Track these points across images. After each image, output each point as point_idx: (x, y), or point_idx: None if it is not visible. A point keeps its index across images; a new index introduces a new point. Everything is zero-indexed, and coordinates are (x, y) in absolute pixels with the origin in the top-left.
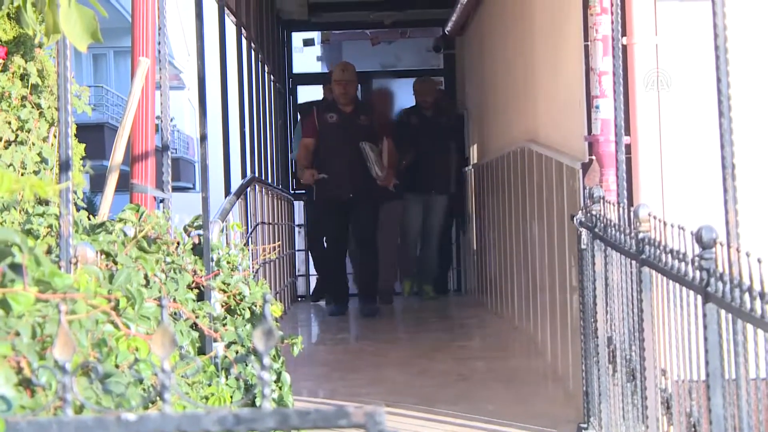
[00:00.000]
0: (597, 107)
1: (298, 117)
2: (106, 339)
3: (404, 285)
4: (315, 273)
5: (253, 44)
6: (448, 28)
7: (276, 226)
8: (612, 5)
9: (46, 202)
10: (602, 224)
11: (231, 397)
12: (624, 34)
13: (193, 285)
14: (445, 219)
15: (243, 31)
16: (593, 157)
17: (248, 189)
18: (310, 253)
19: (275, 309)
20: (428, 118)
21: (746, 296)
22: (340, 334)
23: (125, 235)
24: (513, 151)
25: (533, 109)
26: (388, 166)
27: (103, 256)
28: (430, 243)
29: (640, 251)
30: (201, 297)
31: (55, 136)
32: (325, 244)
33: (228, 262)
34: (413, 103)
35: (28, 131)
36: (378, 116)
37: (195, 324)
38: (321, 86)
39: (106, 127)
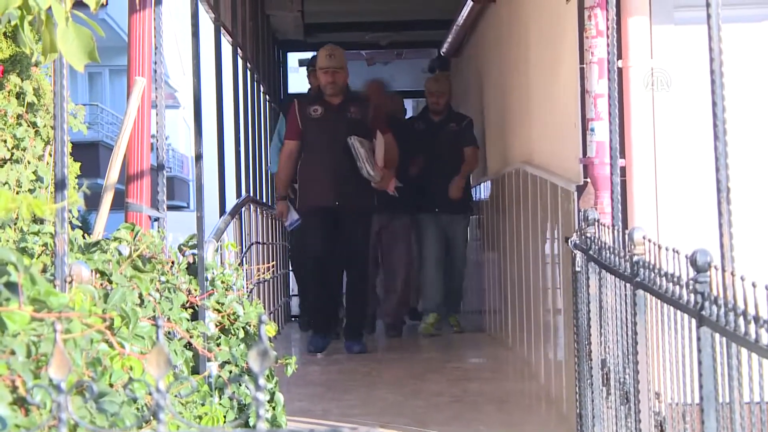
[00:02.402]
0: (592, 130)
1: (278, 121)
2: (100, 358)
3: (428, 318)
4: (299, 296)
5: (248, 64)
6: (443, 50)
7: (270, 245)
8: (608, 28)
9: (41, 221)
10: (597, 247)
11: (224, 416)
12: (619, 57)
13: (188, 304)
14: (465, 241)
15: (239, 51)
16: (588, 180)
17: (243, 209)
18: (294, 276)
19: (269, 329)
20: (436, 124)
21: (740, 320)
22: (334, 354)
23: (120, 254)
24: (508, 173)
25: (528, 130)
26: (386, 166)
27: (98, 275)
28: (453, 269)
29: (635, 274)
30: (195, 316)
31: (50, 155)
32: (308, 261)
33: (222, 282)
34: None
35: (24, 150)
36: (372, 108)
37: (189, 343)
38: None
39: (101, 145)
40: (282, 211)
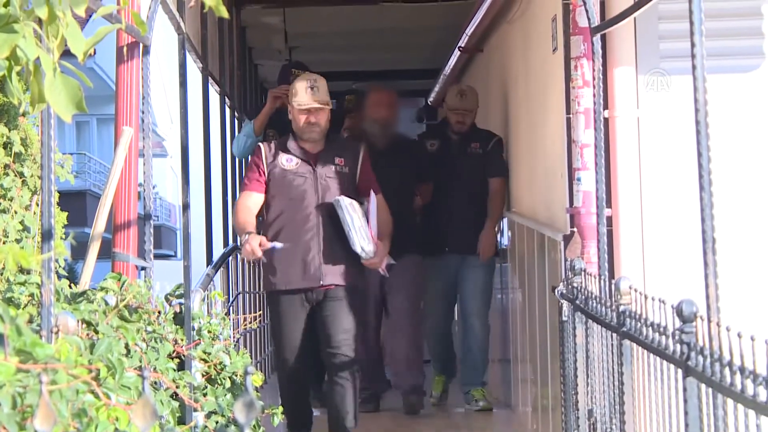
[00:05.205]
0: (579, 179)
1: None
2: (86, 409)
3: (434, 383)
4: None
5: (236, 113)
6: (430, 99)
7: (257, 295)
8: (594, 78)
9: (28, 271)
10: (583, 296)
11: None
12: (606, 107)
13: (174, 354)
14: (487, 294)
15: (227, 99)
16: (575, 229)
17: (230, 258)
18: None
19: (256, 379)
20: (455, 143)
21: (726, 371)
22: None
23: (107, 304)
24: None
25: (515, 180)
26: (380, 237)
27: (85, 326)
28: (472, 327)
29: (621, 324)
30: (182, 366)
31: (37, 205)
32: (284, 355)
33: (209, 332)
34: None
35: (11, 199)
36: (362, 158)
37: (175, 394)
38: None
39: (88, 194)
40: (254, 245)
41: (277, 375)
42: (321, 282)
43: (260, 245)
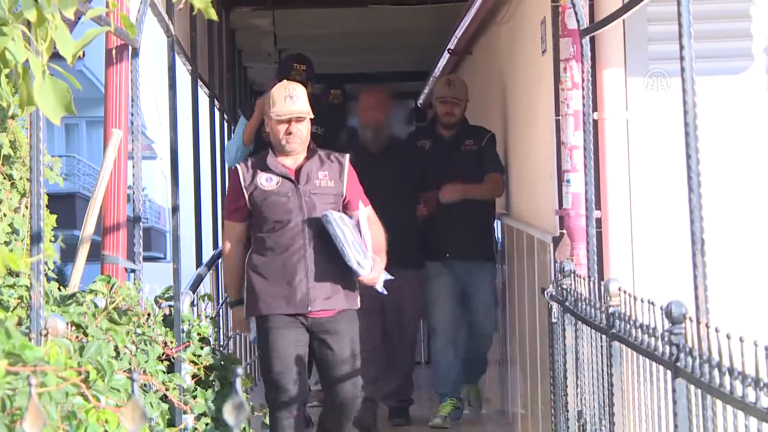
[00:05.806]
0: (568, 181)
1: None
2: (75, 411)
3: (441, 408)
4: None
5: (225, 115)
6: (420, 101)
7: None
8: (583, 81)
9: (17, 274)
10: (573, 298)
11: None
12: (595, 109)
13: (164, 357)
14: (491, 296)
15: (216, 102)
16: (564, 231)
17: (219, 260)
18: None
19: (245, 381)
20: (447, 141)
21: (715, 372)
22: (311, 401)
23: (96, 306)
24: None
25: (505, 182)
26: (375, 251)
27: (74, 328)
28: (475, 331)
29: (611, 325)
30: (171, 368)
31: (26, 207)
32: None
33: (198, 334)
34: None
35: (0, 202)
36: (349, 166)
37: (165, 396)
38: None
39: (78, 196)
40: (241, 322)
41: (267, 398)
42: (310, 308)
43: (242, 324)
